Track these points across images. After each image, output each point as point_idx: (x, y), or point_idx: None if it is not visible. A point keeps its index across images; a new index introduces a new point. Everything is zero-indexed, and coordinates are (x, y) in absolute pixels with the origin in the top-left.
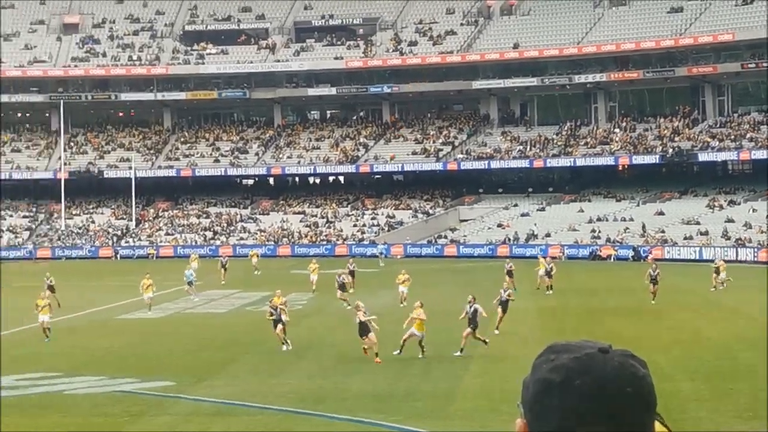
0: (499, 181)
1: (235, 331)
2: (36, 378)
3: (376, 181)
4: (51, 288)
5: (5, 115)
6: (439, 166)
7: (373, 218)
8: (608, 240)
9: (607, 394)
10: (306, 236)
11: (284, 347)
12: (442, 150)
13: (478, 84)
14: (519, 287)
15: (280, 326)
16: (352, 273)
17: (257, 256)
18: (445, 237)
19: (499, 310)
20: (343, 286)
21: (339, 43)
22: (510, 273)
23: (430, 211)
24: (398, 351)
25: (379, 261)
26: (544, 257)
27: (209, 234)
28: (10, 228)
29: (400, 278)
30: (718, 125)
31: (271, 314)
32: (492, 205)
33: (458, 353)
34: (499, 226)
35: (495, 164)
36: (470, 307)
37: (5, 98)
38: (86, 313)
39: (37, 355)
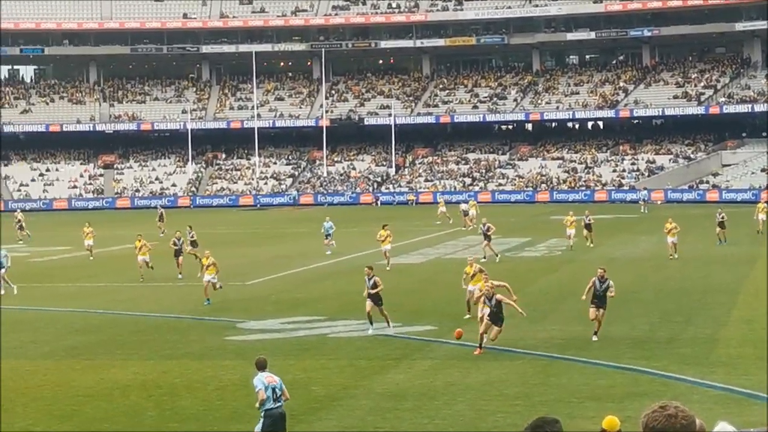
0: (763, 125)
1: (494, 277)
2: (301, 321)
3: (636, 125)
4: (194, 243)
5: (268, 64)
6: (700, 110)
7: (632, 163)
8: None
9: None
10: (565, 182)
11: (467, 314)
12: (703, 94)
13: (741, 26)
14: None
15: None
16: (588, 226)
17: (443, 203)
18: (707, 182)
19: None
20: (487, 237)
21: None
22: (722, 224)
23: (692, 156)
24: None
25: (642, 207)
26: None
27: (468, 180)
28: (274, 175)
29: (668, 227)
30: None
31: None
32: (755, 149)
33: (595, 338)
34: (763, 170)
35: (759, 108)
36: (601, 283)
37: (268, 47)
38: (349, 258)
39: (302, 300)
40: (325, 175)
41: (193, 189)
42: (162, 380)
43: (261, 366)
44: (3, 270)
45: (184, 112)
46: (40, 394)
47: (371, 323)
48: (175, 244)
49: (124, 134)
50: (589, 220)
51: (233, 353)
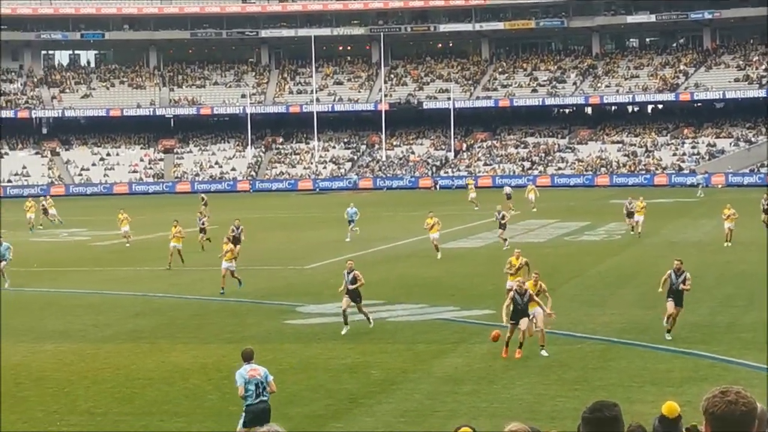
0: None
1: (553, 261)
2: None
3: (697, 109)
4: (203, 230)
5: (327, 48)
6: (762, 93)
7: (693, 147)
8: None
9: None
10: (624, 166)
11: None
12: (765, 76)
13: None
14: None
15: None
16: (630, 214)
17: (473, 188)
18: None
19: None
20: (502, 225)
21: None
22: (767, 210)
23: (753, 139)
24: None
25: (698, 191)
26: None
27: (527, 164)
28: (333, 159)
29: (726, 213)
30: None
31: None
32: None
33: (669, 336)
34: None
35: None
36: (677, 276)
37: (327, 31)
38: (407, 242)
39: None
40: (383, 159)
41: (253, 173)
42: (222, 364)
43: (246, 357)
44: (4, 263)
45: (243, 96)
46: (101, 377)
47: (346, 323)
48: (233, 231)
49: (184, 119)
50: (632, 208)
51: (292, 337)
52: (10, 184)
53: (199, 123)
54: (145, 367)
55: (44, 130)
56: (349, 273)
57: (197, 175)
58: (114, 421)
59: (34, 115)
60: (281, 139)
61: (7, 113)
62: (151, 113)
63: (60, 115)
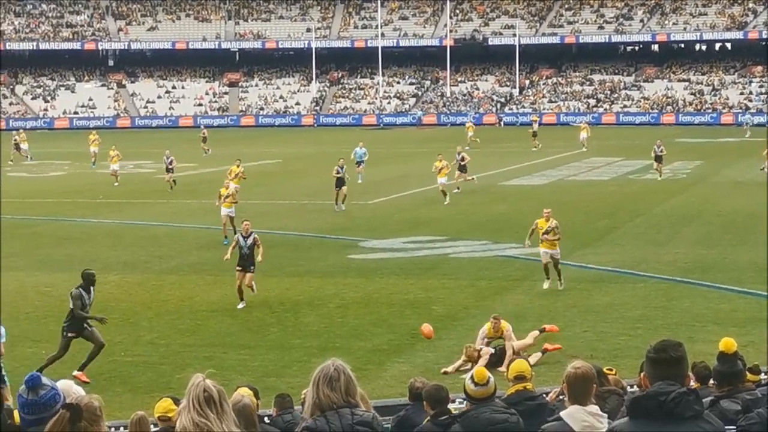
0: None
1: (618, 199)
2: (423, 241)
3: (765, 47)
4: (170, 170)
5: None
6: None
7: (761, 86)
8: None
9: None
10: (691, 104)
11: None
12: None
13: None
14: None
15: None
16: (658, 158)
17: (472, 128)
18: None
19: None
20: (462, 167)
21: None
22: None
23: None
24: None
25: (746, 131)
26: None
27: (592, 102)
28: (398, 94)
29: None
30: None
31: None
32: None
33: None
34: None
35: None
36: None
37: None
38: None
39: (424, 219)
40: (448, 95)
41: (317, 108)
42: (285, 297)
43: None
44: None
45: (308, 30)
46: (165, 309)
47: (242, 298)
48: (338, 172)
49: (249, 52)
50: (661, 152)
51: (355, 272)
52: (76, 116)
53: (264, 57)
54: (208, 299)
55: (110, 63)
56: (246, 237)
57: (262, 109)
58: (177, 352)
59: (100, 47)
60: (346, 74)
61: (74, 45)
62: (217, 47)
63: (126, 48)
